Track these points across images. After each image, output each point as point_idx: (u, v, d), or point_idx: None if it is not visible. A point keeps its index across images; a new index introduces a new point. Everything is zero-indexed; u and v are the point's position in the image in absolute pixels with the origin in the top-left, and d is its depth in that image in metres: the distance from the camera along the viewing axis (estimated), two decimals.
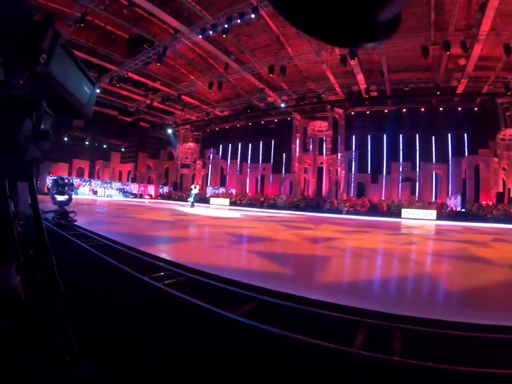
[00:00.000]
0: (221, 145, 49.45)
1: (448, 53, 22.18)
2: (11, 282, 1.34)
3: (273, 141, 44.68)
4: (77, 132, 45.01)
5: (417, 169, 35.39)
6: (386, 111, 36.39)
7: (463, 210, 30.23)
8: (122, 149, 51.80)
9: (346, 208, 32.71)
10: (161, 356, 2.48)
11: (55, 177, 11.03)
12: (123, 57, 29.85)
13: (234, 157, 47.95)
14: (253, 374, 2.37)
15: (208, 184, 48.06)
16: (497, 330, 3.26)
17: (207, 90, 34.12)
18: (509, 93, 28.17)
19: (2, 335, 1.28)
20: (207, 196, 44.58)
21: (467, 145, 33.76)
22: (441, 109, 33.84)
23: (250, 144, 46.80)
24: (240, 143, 47.65)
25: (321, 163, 39.54)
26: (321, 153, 39.85)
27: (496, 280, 6.27)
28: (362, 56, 26.05)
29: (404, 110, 35.19)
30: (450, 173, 33.87)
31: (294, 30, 22.83)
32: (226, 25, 22.37)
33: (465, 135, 33.93)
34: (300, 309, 3.71)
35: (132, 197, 46.19)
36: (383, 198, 35.61)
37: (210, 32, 23.52)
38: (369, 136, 38.49)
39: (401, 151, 36.81)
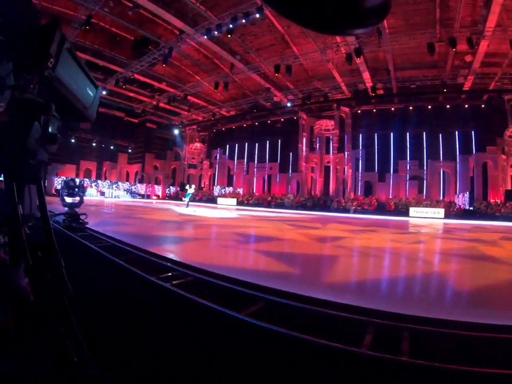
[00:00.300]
0: (227, 145, 49.44)
1: (454, 49, 22.01)
2: (19, 284, 1.36)
3: (279, 140, 44.60)
4: (84, 134, 45.29)
5: (425, 168, 35.15)
6: (393, 109, 36.20)
7: (471, 208, 30.00)
8: (129, 150, 52.04)
9: (354, 207, 32.60)
10: (169, 356, 2.49)
11: (66, 179, 10.79)
12: (129, 59, 29.96)
13: (241, 156, 47.93)
14: (260, 374, 2.37)
15: (215, 184, 48.08)
16: (506, 330, 3.24)
17: (213, 90, 34.13)
18: None
19: (11, 336, 1.30)
20: (214, 195, 44.63)
21: (474, 143, 33.45)
22: (448, 106, 33.60)
23: (257, 144, 46.76)
24: (246, 143, 47.63)
25: (328, 162, 39.43)
26: (328, 152, 39.74)
27: (505, 279, 6.22)
28: (368, 54, 25.94)
29: (411, 107, 34.99)
30: (458, 171, 33.60)
31: (299, 29, 22.86)
32: (231, 25, 22.36)
33: (473, 132, 33.61)
34: (307, 309, 3.71)
35: (139, 198, 46.36)
36: (390, 197, 35.43)
37: (215, 32, 23.52)
38: (376, 134, 38.28)
39: (408, 149, 36.56)
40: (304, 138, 39.85)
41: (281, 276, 5.61)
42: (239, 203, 39.45)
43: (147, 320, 3.20)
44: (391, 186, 36.35)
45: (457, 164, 33.65)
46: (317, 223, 18.77)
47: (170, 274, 5.00)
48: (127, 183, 48.83)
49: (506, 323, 3.41)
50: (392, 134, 37.13)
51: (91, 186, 42.86)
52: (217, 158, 48.64)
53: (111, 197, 43.92)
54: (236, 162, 47.66)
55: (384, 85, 31.77)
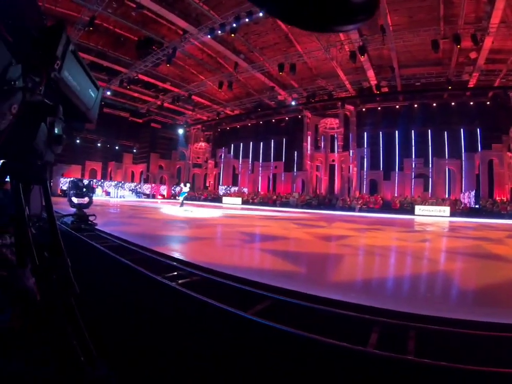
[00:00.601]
0: (232, 145, 49.42)
1: (458, 46, 21.88)
2: (26, 284, 1.36)
3: (284, 139, 44.53)
4: (89, 134, 45.39)
5: (430, 165, 34.93)
6: (397, 107, 36.08)
7: (477, 206, 29.85)
8: (134, 150, 52.15)
9: (359, 206, 32.53)
10: (175, 356, 2.49)
11: (74, 180, 10.52)
12: (133, 59, 30.03)
13: (245, 155, 47.89)
14: (267, 374, 2.37)
15: (220, 183, 48.12)
16: None
17: (217, 90, 34.15)
18: None
19: (18, 335, 1.30)
20: (219, 195, 44.67)
21: (480, 140, 33.18)
22: (453, 103, 33.39)
23: (261, 143, 46.69)
24: (251, 142, 47.59)
25: (333, 160, 39.34)
26: (332, 150, 39.67)
27: (511, 277, 6.19)
28: (372, 52, 25.87)
29: (416, 105, 34.84)
30: (463, 169, 33.37)
31: None
32: (234, 25, 22.34)
33: (478, 129, 33.38)
34: (313, 307, 3.71)
35: (145, 197, 46.48)
36: (396, 195, 35.28)
37: (219, 31, 23.52)
38: (381, 132, 38.11)
39: (413, 147, 36.37)
40: (309, 137, 39.76)
41: (287, 275, 5.61)
42: (244, 202, 39.45)
43: (154, 319, 3.21)
44: (396, 185, 36.19)
45: (463, 162, 33.41)
46: (322, 221, 18.74)
47: (176, 273, 5.02)
48: (133, 183, 48.94)
49: None
50: (397, 132, 36.93)
51: (97, 187, 42.96)
52: (222, 157, 48.65)
53: (117, 197, 44.06)
54: (240, 161, 47.68)
55: (388, 82, 31.66)
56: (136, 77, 32.66)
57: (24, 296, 1.34)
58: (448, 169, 34.21)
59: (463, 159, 33.46)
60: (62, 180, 39.99)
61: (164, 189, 49.89)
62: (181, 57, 29.33)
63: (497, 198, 30.19)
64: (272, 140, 45.57)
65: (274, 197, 39.28)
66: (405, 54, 26.22)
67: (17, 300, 1.36)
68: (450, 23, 21.57)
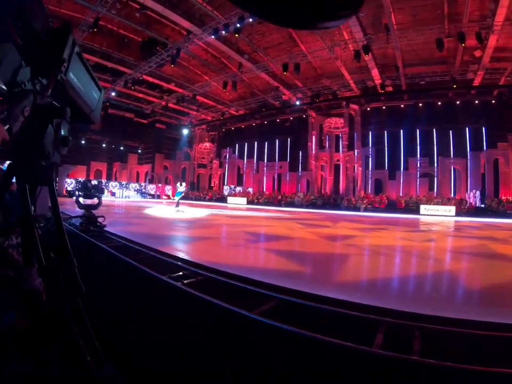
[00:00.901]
0: (237, 145, 49.36)
1: (463, 45, 21.74)
2: (32, 284, 1.38)
3: (289, 139, 44.42)
4: (94, 135, 45.52)
5: (435, 165, 34.71)
6: (402, 106, 35.87)
7: (483, 205, 29.68)
8: (139, 151, 52.24)
9: (364, 205, 32.43)
10: (180, 356, 2.50)
11: (83, 180, 10.33)
12: (137, 60, 30.08)
13: (250, 155, 47.82)
14: (272, 373, 2.38)
15: (225, 183, 48.13)
16: None
17: (222, 90, 34.18)
18: None
19: (24, 335, 1.32)
20: (224, 195, 44.68)
21: (485, 139, 32.92)
22: (458, 102, 33.13)
23: (266, 143, 46.62)
24: (256, 142, 47.50)
25: (338, 160, 39.25)
26: (337, 150, 39.57)
27: None
28: (376, 51, 25.77)
29: (420, 104, 34.62)
30: (469, 168, 33.11)
31: None
32: (238, 25, 22.33)
33: (483, 128, 33.15)
34: (318, 307, 3.71)
35: (150, 198, 46.57)
36: (401, 194, 35.13)
37: (223, 32, 23.50)
38: (385, 131, 37.92)
39: (418, 146, 36.16)
40: (314, 137, 39.69)
41: (292, 275, 5.61)
42: (249, 202, 39.41)
43: (159, 319, 3.23)
44: (401, 184, 36.04)
45: (468, 161, 33.17)
46: (328, 221, 18.73)
47: (181, 273, 5.03)
48: (138, 183, 49.06)
49: None
50: (402, 131, 36.76)
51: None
52: (227, 157, 48.66)
53: (122, 197, 44.18)
54: (245, 161, 47.63)
55: (393, 81, 31.56)
56: (141, 78, 32.72)
57: (30, 296, 1.36)
58: (454, 168, 34.03)
59: (469, 158, 33.23)
60: (68, 180, 40.20)
61: (169, 189, 49.91)
62: (185, 58, 29.36)
63: (503, 197, 29.95)
64: (277, 140, 45.50)
65: (279, 196, 39.22)
66: (409, 52, 26.12)
67: (23, 300, 1.38)
68: (454, 21, 21.45)
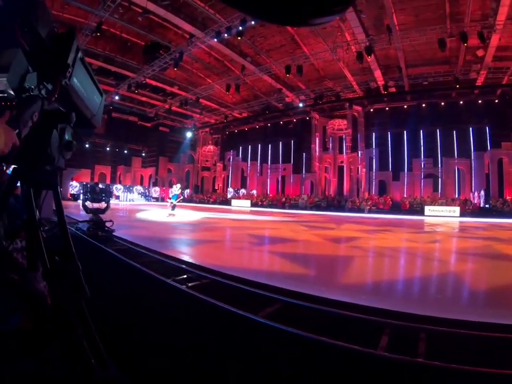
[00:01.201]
0: (240, 147, 49.32)
1: (465, 44, 21.65)
2: (37, 287, 1.39)
3: (292, 141, 44.32)
4: (98, 139, 45.69)
5: (439, 165, 34.55)
6: (405, 106, 35.76)
7: (487, 206, 29.53)
8: (143, 154, 52.41)
9: (368, 207, 32.34)
10: (184, 358, 2.51)
11: (91, 184, 10.06)
12: (140, 64, 30.17)
13: (254, 158, 47.81)
14: (277, 376, 2.38)
15: (229, 186, 48.14)
16: None
17: (225, 93, 34.17)
18: None
19: (29, 338, 1.33)
20: (228, 197, 44.68)
21: (489, 139, 32.74)
22: (461, 102, 33.01)
23: (269, 145, 46.58)
24: (259, 144, 47.48)
25: (342, 162, 39.14)
26: (341, 152, 39.43)
27: None
28: (378, 52, 25.73)
29: (424, 105, 34.51)
30: (473, 168, 32.89)
31: (309, 28, 22.79)
32: (240, 28, 22.33)
33: (487, 128, 33.00)
34: (323, 310, 3.71)
35: (154, 201, 46.65)
36: (405, 196, 35.03)
37: (225, 35, 23.54)
38: (389, 133, 37.80)
39: (422, 147, 35.99)
40: (317, 139, 39.63)
41: (297, 277, 5.61)
42: (253, 204, 39.38)
43: (164, 322, 3.23)
44: (405, 185, 35.97)
45: (472, 161, 32.96)
46: (332, 223, 18.69)
47: (185, 276, 5.04)
48: (142, 186, 49.20)
49: None
50: (405, 132, 36.67)
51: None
52: (231, 160, 48.66)
53: (126, 201, 44.28)
54: (249, 164, 47.57)
55: (396, 82, 31.48)
56: (144, 81, 32.81)
57: (34, 299, 1.37)
58: (458, 168, 33.89)
59: (472, 158, 33.03)
60: (73, 183, 40.41)
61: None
62: (188, 61, 29.41)
63: (508, 197, 29.80)
64: (281, 142, 45.44)
65: (283, 199, 39.17)
66: (411, 53, 26.07)
67: (27, 303, 1.38)
68: (456, 21, 21.39)
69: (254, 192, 44.72)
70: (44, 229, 1.47)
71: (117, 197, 44.38)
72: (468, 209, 29.51)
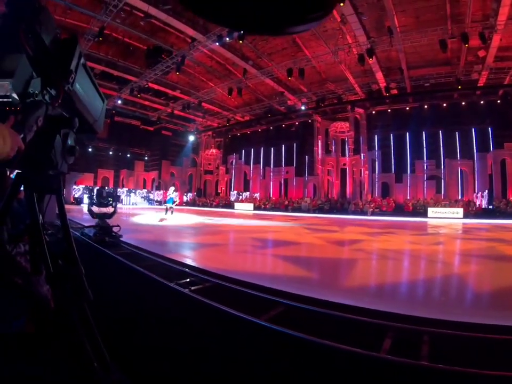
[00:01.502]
0: (243, 150, 49.36)
1: (466, 45, 21.60)
2: (40, 291, 1.40)
3: (295, 144, 44.29)
4: (101, 143, 45.83)
5: (442, 167, 34.47)
6: (407, 108, 35.74)
7: (491, 207, 29.43)
8: (146, 158, 52.52)
9: (371, 209, 32.28)
10: (187, 361, 2.51)
11: (98, 187, 9.68)
12: (142, 68, 30.25)
13: (257, 161, 47.82)
14: (281, 379, 2.38)
15: (232, 189, 48.18)
16: None
17: (227, 96, 34.23)
18: None
19: (33, 341, 1.33)
20: (231, 201, 44.70)
21: (492, 140, 32.59)
22: (463, 103, 32.89)
23: (272, 148, 46.58)
24: (262, 148, 47.48)
25: (344, 164, 39.14)
26: (344, 154, 39.45)
27: None
28: (380, 54, 25.74)
29: (426, 106, 34.44)
30: (476, 169, 32.81)
31: (310, 31, 22.85)
32: (242, 31, 22.38)
33: (490, 129, 32.88)
34: (326, 313, 3.70)
35: (157, 204, 46.71)
36: (408, 198, 34.98)
37: (227, 39, 23.59)
38: (391, 135, 37.74)
39: (425, 149, 35.95)
40: (320, 141, 39.62)
41: (300, 280, 5.60)
42: (256, 208, 39.39)
43: (167, 325, 3.24)
44: (408, 187, 35.88)
45: (475, 162, 32.90)
46: (335, 226, 18.67)
47: (188, 280, 5.05)
48: (145, 189, 49.31)
49: None
50: (408, 133, 36.60)
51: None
52: (233, 163, 48.71)
53: (129, 204, 44.39)
54: (252, 167, 47.64)
55: (397, 84, 31.45)
56: (146, 86, 32.88)
57: (37, 303, 1.37)
58: (461, 170, 33.80)
59: (475, 159, 32.94)
60: (76, 187, 40.59)
61: (176, 196, 50.03)
62: (190, 65, 29.48)
63: (511, 198, 29.73)
64: (283, 145, 45.45)
65: (286, 202, 39.13)
66: (413, 55, 26.08)
67: (31, 306, 1.39)
68: (457, 22, 21.39)
69: (257, 195, 44.73)
70: (47, 233, 1.48)
71: (121, 201, 44.49)
72: (471, 211, 29.42)
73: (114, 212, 9.12)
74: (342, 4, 18.35)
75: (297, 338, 2.92)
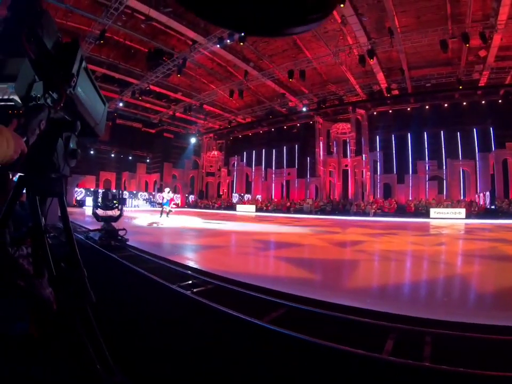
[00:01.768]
0: (244, 152, 49.40)
1: (467, 45, 21.59)
2: (42, 294, 1.40)
3: (296, 145, 44.35)
4: (103, 145, 45.92)
5: (444, 167, 34.38)
6: (409, 109, 35.70)
7: (493, 207, 29.35)
8: (148, 160, 52.60)
9: (373, 210, 32.21)
10: (189, 363, 2.51)
11: (103, 190, 9.40)
12: (144, 71, 30.32)
13: (258, 163, 47.87)
14: (283, 380, 2.38)
15: (234, 191, 48.19)
16: None
17: (228, 98, 34.30)
18: None
19: (36, 343, 1.34)
20: (233, 203, 44.69)
21: (493, 139, 32.50)
22: (464, 103, 32.85)
23: (274, 150, 46.61)
24: (264, 149, 47.56)
25: (346, 165, 39.08)
26: (345, 155, 39.41)
27: None
28: (381, 55, 25.75)
29: (427, 107, 34.43)
30: (477, 169, 32.63)
31: (311, 32, 22.89)
32: (242, 33, 22.42)
33: (491, 128, 32.78)
34: (328, 314, 3.70)
35: (159, 207, 46.66)
36: (410, 198, 34.92)
37: (228, 41, 23.65)
38: (393, 135, 37.74)
39: (426, 149, 35.87)
40: (321, 143, 39.63)
41: (302, 282, 5.60)
42: (258, 210, 39.37)
43: (169, 327, 3.24)
44: (410, 188, 35.82)
45: (477, 162, 32.76)
46: (337, 227, 18.65)
47: (190, 282, 5.05)
48: (146, 192, 49.33)
49: None
50: (409, 134, 36.57)
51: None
52: (235, 165, 48.68)
53: (131, 206, 44.39)
54: (253, 169, 47.63)
55: (399, 85, 31.45)
56: (148, 88, 32.94)
57: (40, 305, 1.38)
58: (462, 170, 33.71)
59: (477, 159, 32.79)
60: (78, 190, 40.68)
61: (177, 198, 50.04)
62: (191, 67, 29.53)
63: None
64: (285, 147, 45.48)
65: (288, 203, 39.12)
66: (414, 55, 26.08)
67: (33, 309, 1.40)
68: (458, 22, 21.38)
69: (259, 197, 44.71)
70: (49, 235, 1.49)
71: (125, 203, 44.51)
72: (474, 211, 29.33)
73: (120, 215, 8.92)
74: (342, 5, 18.36)
75: (298, 340, 2.92)
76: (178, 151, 51.41)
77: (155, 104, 39.33)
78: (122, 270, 5.87)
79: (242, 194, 46.46)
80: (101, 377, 1.32)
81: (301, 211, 35.76)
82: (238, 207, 41.92)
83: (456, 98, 32.76)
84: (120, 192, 9.58)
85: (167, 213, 20.95)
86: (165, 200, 21.54)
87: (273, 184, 45.32)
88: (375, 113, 37.68)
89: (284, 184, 44.51)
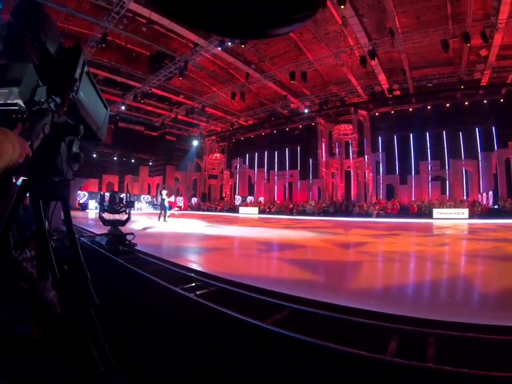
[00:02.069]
0: (247, 154, 49.43)
1: (468, 44, 21.55)
2: (46, 296, 1.41)
3: (298, 147, 44.33)
4: (106, 148, 46.03)
5: (447, 167, 34.26)
6: (411, 109, 35.63)
7: (496, 207, 29.27)
8: (150, 163, 52.73)
9: (376, 211, 32.15)
10: (193, 366, 2.51)
11: (111, 192, 9.25)
12: (146, 74, 30.42)
13: (261, 165, 47.91)
14: (286, 382, 2.38)
15: (237, 193, 48.20)
16: None
17: (230, 100, 34.31)
18: None
19: (39, 345, 1.35)
20: (236, 205, 44.70)
21: (496, 139, 32.47)
22: (466, 103, 32.76)
23: (276, 152, 46.64)
24: (266, 151, 47.57)
25: (349, 167, 38.97)
26: (347, 156, 39.31)
27: None
28: (382, 55, 25.75)
29: (429, 107, 34.37)
30: (480, 169, 32.60)
31: (312, 34, 22.96)
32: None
33: (493, 128, 32.71)
34: (332, 316, 3.70)
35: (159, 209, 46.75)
36: (413, 199, 34.86)
37: (229, 43, 23.71)
38: (395, 136, 37.68)
39: (429, 150, 35.77)
40: (323, 144, 39.54)
41: (306, 283, 5.60)
42: (260, 211, 39.34)
43: (172, 330, 3.24)
44: (413, 188, 35.78)
45: (480, 162, 32.70)
46: (340, 228, 18.63)
47: (194, 284, 5.06)
48: (149, 195, 49.41)
49: None
50: (411, 134, 36.53)
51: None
52: (238, 167, 48.72)
53: (134, 209, 44.47)
54: (256, 171, 47.59)
55: (400, 85, 31.42)
56: (150, 91, 33.03)
57: (44, 308, 1.39)
58: (465, 170, 33.64)
59: (480, 159, 32.69)
60: (80, 193, 40.82)
61: (180, 200, 50.08)
62: (193, 70, 29.59)
63: None
64: (287, 149, 45.45)
65: (291, 205, 39.07)
66: (415, 55, 26.05)
67: (37, 311, 1.41)
68: (458, 22, 21.36)
69: (262, 199, 44.71)
70: (53, 238, 1.50)
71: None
72: (477, 211, 29.25)
73: (128, 219, 8.72)
74: (343, 7, 18.40)
75: (302, 341, 2.92)
76: (181, 153, 51.47)
77: (157, 107, 39.45)
78: (126, 272, 5.88)
79: (245, 196, 46.45)
80: (102, 378, 1.33)
81: (303, 213, 35.70)
82: (241, 209, 41.92)
83: (458, 98, 32.71)
84: (128, 195, 9.45)
85: (164, 217, 19.87)
86: (166, 203, 20.46)
87: (275, 186, 45.34)
88: (377, 114, 37.66)
89: (287, 186, 44.51)
